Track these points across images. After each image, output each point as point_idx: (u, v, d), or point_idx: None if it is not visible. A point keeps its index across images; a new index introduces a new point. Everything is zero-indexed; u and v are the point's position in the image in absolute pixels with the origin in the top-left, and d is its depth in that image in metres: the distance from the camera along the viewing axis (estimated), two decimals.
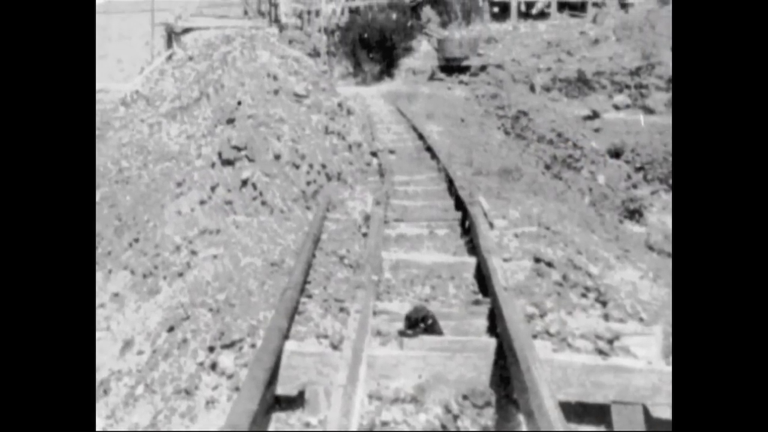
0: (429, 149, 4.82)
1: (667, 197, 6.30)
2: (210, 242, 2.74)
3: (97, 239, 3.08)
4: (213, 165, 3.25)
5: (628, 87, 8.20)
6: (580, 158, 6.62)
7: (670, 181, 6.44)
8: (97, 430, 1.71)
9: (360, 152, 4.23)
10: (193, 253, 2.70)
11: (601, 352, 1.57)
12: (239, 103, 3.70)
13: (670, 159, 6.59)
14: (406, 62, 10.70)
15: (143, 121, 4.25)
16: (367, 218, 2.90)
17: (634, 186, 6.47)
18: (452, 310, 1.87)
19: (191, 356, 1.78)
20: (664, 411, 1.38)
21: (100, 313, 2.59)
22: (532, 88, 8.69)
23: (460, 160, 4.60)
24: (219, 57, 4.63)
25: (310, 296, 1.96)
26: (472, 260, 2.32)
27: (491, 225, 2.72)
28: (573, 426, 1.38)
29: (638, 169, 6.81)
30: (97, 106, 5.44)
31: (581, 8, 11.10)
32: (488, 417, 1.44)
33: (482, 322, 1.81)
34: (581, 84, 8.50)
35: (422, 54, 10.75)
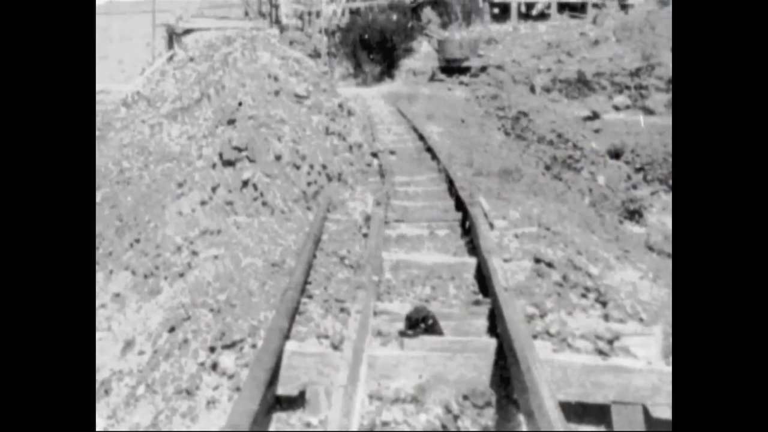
0: (429, 150, 4.82)
1: (666, 198, 6.30)
2: (211, 243, 2.75)
3: (99, 240, 3.09)
4: (214, 166, 3.26)
5: (628, 88, 8.21)
6: (580, 159, 6.62)
7: (670, 182, 6.45)
8: (98, 430, 1.71)
9: (360, 153, 4.24)
10: (194, 253, 2.71)
11: (601, 352, 1.57)
12: (240, 104, 3.71)
13: (670, 160, 6.60)
14: (407, 63, 10.72)
15: (144, 121, 4.26)
16: (367, 219, 2.90)
17: (634, 187, 6.47)
18: (452, 311, 1.87)
19: (192, 356, 1.79)
20: (663, 411, 1.38)
21: (101, 314, 2.60)
22: (533, 89, 8.70)
23: (461, 160, 4.60)
24: (220, 58, 4.64)
25: (310, 297, 1.96)
26: (472, 261, 2.32)
27: (491, 225, 2.73)
28: (573, 426, 1.38)
29: (638, 170, 6.81)
30: (98, 107, 5.45)
31: (581, 9, 11.12)
32: (488, 417, 1.44)
33: (482, 323, 1.81)
34: (581, 85, 8.51)
35: (422, 55, 10.77)
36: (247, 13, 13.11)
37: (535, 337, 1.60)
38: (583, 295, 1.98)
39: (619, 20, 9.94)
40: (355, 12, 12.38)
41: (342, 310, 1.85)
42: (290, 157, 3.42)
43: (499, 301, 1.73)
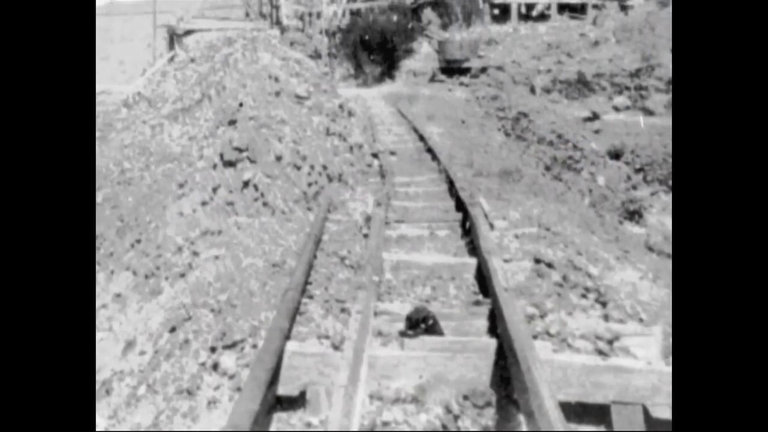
0: (430, 150, 4.83)
1: (666, 198, 6.31)
2: (212, 243, 2.75)
3: (100, 240, 3.10)
4: (215, 166, 3.27)
5: (627, 89, 8.22)
6: (580, 159, 6.63)
7: (670, 183, 6.45)
8: (99, 430, 1.71)
9: (361, 153, 4.24)
10: (195, 253, 2.71)
11: (601, 352, 1.57)
12: (241, 104, 3.72)
13: (670, 160, 6.60)
14: (407, 64, 10.74)
15: (145, 122, 4.27)
16: (368, 219, 2.91)
17: (634, 187, 6.48)
18: (453, 311, 1.88)
19: (193, 356, 1.79)
20: (663, 411, 1.39)
21: (102, 314, 2.60)
22: (533, 90, 8.71)
23: (461, 161, 4.61)
24: (221, 59, 4.65)
25: (311, 297, 1.97)
26: (472, 261, 2.33)
27: (492, 226, 2.73)
28: (573, 426, 1.38)
29: (638, 171, 6.82)
30: (100, 108, 5.46)
31: (581, 10, 11.14)
32: (489, 417, 1.45)
33: (483, 323, 1.82)
34: (581, 86, 8.52)
35: (423, 56, 10.79)
36: (247, 14, 13.14)
37: (535, 337, 1.60)
38: (583, 296, 1.98)
39: (619, 21, 9.95)
40: (355, 13, 12.40)
41: (342, 310, 1.85)
42: (291, 158, 3.43)
43: (500, 301, 1.73)
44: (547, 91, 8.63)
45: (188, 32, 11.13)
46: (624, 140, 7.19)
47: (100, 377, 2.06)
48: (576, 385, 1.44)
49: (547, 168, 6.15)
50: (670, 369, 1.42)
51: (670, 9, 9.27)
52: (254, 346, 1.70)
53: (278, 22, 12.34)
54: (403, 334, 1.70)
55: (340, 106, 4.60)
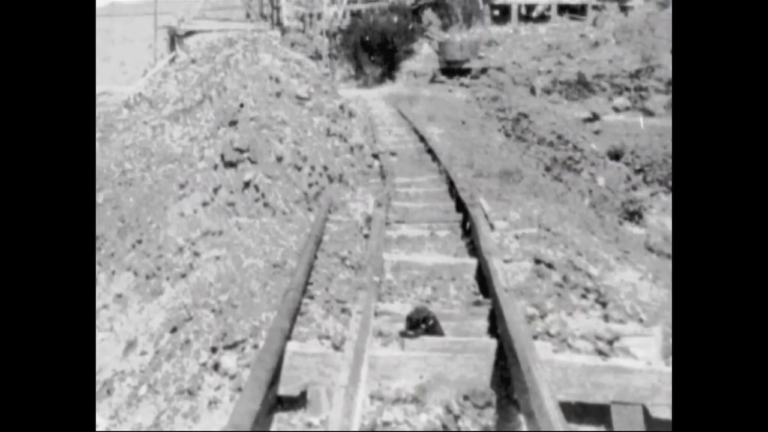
0: (430, 151, 4.84)
1: (666, 199, 6.31)
2: (212, 243, 2.76)
3: (101, 241, 3.10)
4: (215, 167, 3.27)
5: (627, 89, 8.24)
6: (580, 160, 6.63)
7: (670, 183, 6.46)
8: (100, 430, 1.72)
9: (361, 154, 4.25)
10: (196, 254, 2.72)
11: (601, 352, 1.57)
12: (242, 105, 3.73)
13: (670, 161, 6.61)
14: (408, 65, 10.76)
15: (146, 123, 4.28)
16: (368, 220, 2.91)
17: (634, 188, 6.48)
18: (453, 311, 1.88)
19: (194, 357, 1.79)
20: (663, 411, 1.39)
21: (103, 314, 2.60)
22: (533, 91, 8.72)
23: (461, 162, 4.62)
24: (221, 60, 4.66)
25: (312, 297, 1.97)
26: (472, 261, 2.33)
27: (492, 226, 2.74)
28: (573, 426, 1.38)
29: (638, 171, 6.82)
30: (101, 109, 5.47)
31: (581, 11, 11.16)
32: (489, 417, 1.45)
33: (483, 323, 1.82)
34: (581, 86, 8.53)
35: (423, 57, 10.81)
36: (248, 15, 13.17)
37: (535, 337, 1.60)
38: (583, 296, 1.99)
39: (618, 22, 9.97)
40: (356, 14, 12.43)
41: (343, 310, 1.85)
42: (292, 159, 3.44)
43: (500, 301, 1.73)
44: (548, 92, 8.65)
45: (189, 33, 11.16)
46: (624, 141, 7.20)
47: (101, 377, 2.07)
48: (576, 386, 1.45)
49: (548, 169, 6.15)
50: (669, 369, 1.43)
51: (669, 10, 9.29)
52: (255, 347, 1.71)
53: (279, 23, 12.37)
54: (403, 334, 1.71)
55: (341, 107, 4.61)
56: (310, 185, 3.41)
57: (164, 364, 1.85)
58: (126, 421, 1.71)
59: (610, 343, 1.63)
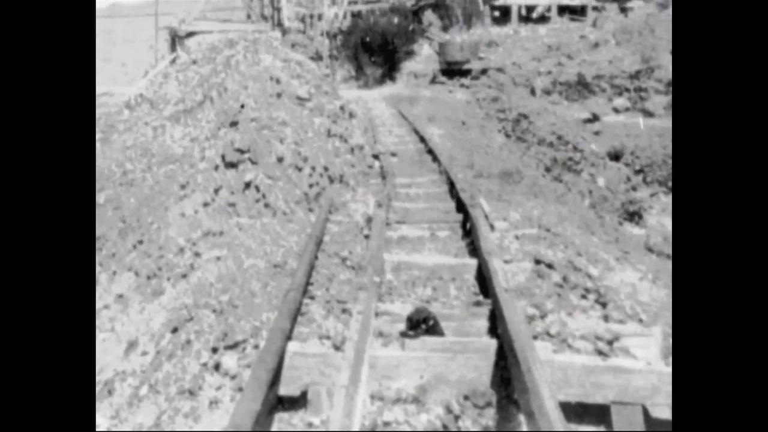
0: (430, 152, 4.85)
1: (666, 199, 6.32)
2: (213, 244, 2.76)
3: (102, 241, 3.11)
4: (216, 168, 3.28)
5: (627, 90, 8.25)
6: (580, 161, 6.64)
7: (669, 184, 6.46)
8: (101, 430, 1.72)
9: (362, 155, 4.26)
10: (197, 254, 2.72)
11: (600, 353, 1.58)
12: (242, 106, 3.74)
13: (669, 162, 6.61)
14: (408, 66, 10.78)
15: (147, 124, 4.28)
16: (369, 220, 2.92)
17: (634, 188, 6.49)
18: (453, 312, 1.88)
19: (195, 357, 1.80)
20: (663, 411, 1.39)
21: (104, 315, 2.61)
22: (533, 92, 8.74)
23: (461, 162, 4.62)
24: (222, 60, 4.68)
25: (312, 297, 1.98)
26: (473, 262, 2.33)
27: (492, 227, 2.74)
28: (573, 426, 1.39)
29: (638, 172, 6.83)
30: (102, 110, 5.49)
31: (581, 12, 11.18)
32: (489, 417, 1.45)
33: (483, 323, 1.83)
34: (581, 87, 8.54)
35: (424, 58, 10.83)
36: (249, 16, 13.20)
37: (535, 337, 1.61)
38: (583, 296, 1.99)
39: (618, 23, 9.99)
40: (356, 15, 12.46)
41: (344, 311, 1.86)
42: (292, 159, 3.44)
43: (500, 302, 1.74)
44: (548, 92, 8.66)
45: (190, 34, 11.19)
46: (624, 142, 7.21)
47: (102, 377, 2.07)
48: (576, 386, 1.45)
49: (548, 169, 6.16)
50: (669, 369, 1.43)
51: (669, 11, 9.31)
52: (256, 347, 1.71)
53: (280, 24, 12.40)
54: (403, 334, 1.71)
55: (341, 108, 4.62)
56: (311, 186, 3.42)
57: (165, 364, 1.85)
58: (127, 421, 1.72)
59: (610, 343, 1.63)
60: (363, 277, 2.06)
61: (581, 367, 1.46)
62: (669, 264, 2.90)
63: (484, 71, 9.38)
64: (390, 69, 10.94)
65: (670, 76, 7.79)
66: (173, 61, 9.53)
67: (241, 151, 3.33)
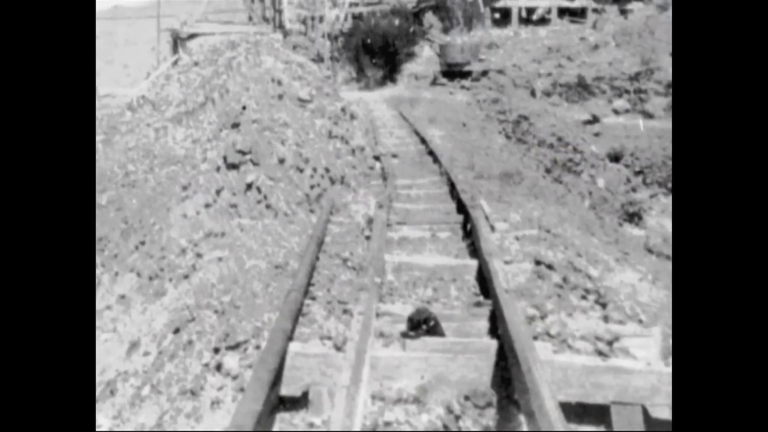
0: (431, 153, 4.86)
1: (665, 200, 6.32)
2: (215, 245, 2.77)
3: (104, 242, 3.12)
4: (218, 169, 3.30)
5: (627, 92, 8.27)
6: (580, 162, 6.66)
7: (669, 185, 6.47)
8: (103, 430, 1.73)
9: (363, 156, 4.27)
10: (199, 255, 2.74)
11: (600, 353, 1.58)
12: (244, 107, 3.76)
13: (669, 163, 6.62)
14: (409, 67, 10.81)
15: (149, 125, 4.30)
16: (370, 221, 2.93)
17: (634, 190, 6.50)
18: (454, 312, 1.89)
19: (196, 357, 1.80)
20: (662, 411, 1.40)
21: (106, 315, 2.62)
22: (533, 93, 8.76)
23: (462, 163, 4.63)
24: (224, 62, 4.70)
25: (313, 298, 1.98)
26: (473, 263, 2.34)
27: (492, 228, 2.75)
28: (573, 426, 1.39)
29: (637, 173, 6.84)
30: (104, 111, 5.51)
31: (581, 14, 11.21)
32: (489, 417, 1.46)
33: (484, 324, 1.83)
34: (581, 89, 8.56)
35: (424, 59, 10.86)
36: (250, 18, 13.25)
37: (535, 338, 1.61)
38: (583, 297, 2.00)
39: (618, 25, 10.01)
40: (357, 17, 12.50)
41: (345, 311, 1.86)
42: (293, 161, 3.46)
43: (500, 302, 1.75)
44: (548, 94, 8.68)
45: (192, 36, 11.23)
46: (624, 143, 7.22)
47: (104, 378, 2.08)
48: (576, 386, 1.46)
49: (548, 170, 6.17)
50: (669, 370, 1.44)
51: (669, 13, 9.33)
52: (257, 347, 1.72)
53: (281, 26, 12.44)
54: (404, 335, 1.72)
55: (343, 109, 4.63)
56: (312, 187, 3.43)
57: (167, 364, 1.86)
58: (129, 421, 1.73)
59: (610, 343, 1.64)
60: (364, 277, 2.07)
61: (581, 367, 1.47)
62: (668, 265, 2.90)
63: (484, 73, 9.41)
64: (391, 71, 10.97)
65: (669, 77, 7.81)
66: (175, 62, 9.57)
67: (243, 153, 3.34)
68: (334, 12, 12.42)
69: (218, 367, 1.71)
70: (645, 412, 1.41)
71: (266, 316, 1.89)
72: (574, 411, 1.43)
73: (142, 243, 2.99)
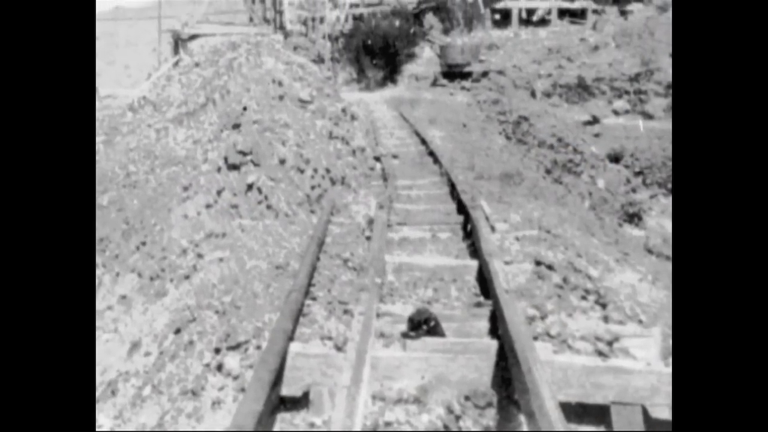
0: (431, 154, 4.87)
1: (665, 201, 6.33)
2: (216, 245, 2.78)
3: (105, 242, 3.13)
4: (219, 169, 3.30)
5: (627, 93, 8.28)
6: (580, 163, 6.66)
7: (669, 186, 6.48)
8: (104, 430, 1.73)
9: (364, 157, 4.28)
10: (200, 256, 2.74)
11: (600, 353, 1.59)
12: (245, 108, 3.77)
13: (669, 163, 6.63)
14: (409, 68, 10.83)
15: (150, 126, 4.32)
16: (370, 222, 2.94)
17: (633, 190, 6.50)
18: (454, 312, 1.89)
19: (197, 357, 1.81)
20: (662, 411, 1.40)
21: (107, 316, 2.63)
22: (533, 94, 8.77)
23: (462, 164, 4.64)
24: (225, 63, 4.71)
25: (314, 298, 1.99)
26: (473, 263, 2.34)
27: (493, 228, 2.76)
28: (573, 426, 1.39)
29: (637, 174, 6.85)
30: (105, 112, 5.53)
31: (581, 15, 11.23)
32: (490, 417, 1.46)
33: (484, 324, 1.84)
34: (581, 90, 8.58)
35: (425, 60, 10.88)
36: (251, 19, 13.28)
37: (535, 338, 1.62)
38: (583, 297, 2.00)
39: (618, 26, 10.03)
40: (358, 18, 12.53)
41: (345, 311, 1.87)
42: (294, 161, 3.47)
43: (500, 303, 1.75)
44: (548, 95, 8.70)
45: (193, 37, 11.26)
46: (623, 144, 7.23)
47: (105, 378, 2.08)
48: (576, 386, 1.46)
49: (548, 171, 6.18)
50: (669, 370, 1.44)
51: (668, 14, 9.35)
52: (258, 348, 1.72)
53: (282, 27, 12.47)
54: (405, 335, 1.72)
55: (343, 110, 4.64)
56: (313, 188, 3.43)
57: (168, 364, 1.87)
58: (130, 421, 1.73)
59: (610, 344, 1.64)
60: (364, 278, 2.08)
61: (581, 367, 1.47)
62: (668, 265, 2.90)
63: (484, 74, 9.42)
64: (391, 72, 10.99)
65: (669, 78, 7.82)
66: (176, 63, 9.59)
67: (244, 153, 3.35)
68: (334, 13, 12.45)
69: (219, 367, 1.71)
70: (645, 412, 1.42)
71: (267, 317, 1.89)
72: (574, 411, 1.44)
73: (143, 243, 3.00)
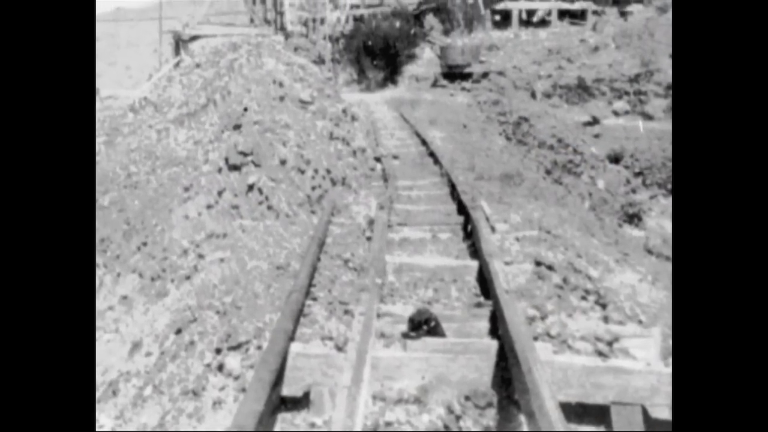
0: (432, 154, 4.87)
1: (665, 202, 6.33)
2: (217, 246, 2.79)
3: (106, 243, 3.14)
4: (220, 170, 3.31)
5: (627, 93, 8.29)
6: (580, 163, 6.67)
7: (669, 186, 6.48)
8: (105, 430, 1.74)
9: (364, 157, 4.29)
10: (200, 256, 2.75)
11: (600, 353, 1.59)
12: (245, 109, 3.78)
13: (669, 164, 6.64)
14: (410, 69, 10.84)
15: (151, 127, 4.33)
16: (371, 222, 2.94)
17: (633, 191, 6.51)
18: (455, 313, 1.90)
19: (198, 358, 1.81)
20: (662, 411, 1.40)
21: (109, 316, 2.63)
22: (533, 95, 8.78)
23: (463, 165, 4.65)
24: (226, 64, 4.72)
25: (315, 299, 1.99)
26: (474, 263, 2.35)
27: (493, 229, 2.76)
28: (573, 426, 1.40)
29: (637, 174, 6.85)
30: (106, 112, 5.54)
31: (581, 16, 11.25)
32: (490, 417, 1.46)
33: (484, 325, 1.84)
34: (581, 91, 8.59)
35: (425, 61, 10.90)
36: (252, 20, 13.31)
37: (535, 338, 1.62)
38: (583, 298, 2.00)
39: (618, 27, 10.04)
40: (358, 19, 12.56)
41: (346, 312, 1.87)
42: (295, 162, 3.47)
43: (501, 303, 1.75)
44: (548, 95, 8.71)
45: (194, 38, 11.28)
46: (623, 144, 7.23)
47: (106, 378, 2.09)
48: (576, 386, 1.46)
49: (548, 172, 6.19)
50: (668, 370, 1.44)
51: (668, 15, 9.36)
52: (259, 348, 1.73)
53: (282, 28, 12.50)
54: (405, 335, 1.73)
55: (344, 111, 4.65)
56: (313, 188, 3.44)
57: (169, 365, 1.87)
58: (131, 421, 1.73)
59: (610, 344, 1.64)
60: (365, 278, 2.08)
61: (581, 367, 1.47)
62: (668, 266, 2.90)
63: (485, 75, 9.44)
64: (392, 72, 11.01)
65: (669, 79, 7.82)
66: (177, 64, 9.62)
67: (245, 154, 3.36)
68: (335, 14, 12.48)
69: (220, 367, 1.72)
70: (645, 412, 1.42)
71: (268, 317, 1.89)
72: (574, 411, 1.44)
73: (144, 244, 3.01)
